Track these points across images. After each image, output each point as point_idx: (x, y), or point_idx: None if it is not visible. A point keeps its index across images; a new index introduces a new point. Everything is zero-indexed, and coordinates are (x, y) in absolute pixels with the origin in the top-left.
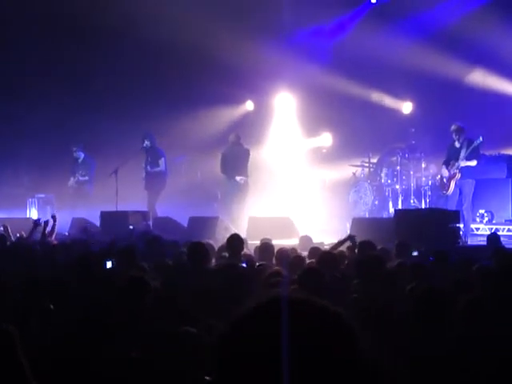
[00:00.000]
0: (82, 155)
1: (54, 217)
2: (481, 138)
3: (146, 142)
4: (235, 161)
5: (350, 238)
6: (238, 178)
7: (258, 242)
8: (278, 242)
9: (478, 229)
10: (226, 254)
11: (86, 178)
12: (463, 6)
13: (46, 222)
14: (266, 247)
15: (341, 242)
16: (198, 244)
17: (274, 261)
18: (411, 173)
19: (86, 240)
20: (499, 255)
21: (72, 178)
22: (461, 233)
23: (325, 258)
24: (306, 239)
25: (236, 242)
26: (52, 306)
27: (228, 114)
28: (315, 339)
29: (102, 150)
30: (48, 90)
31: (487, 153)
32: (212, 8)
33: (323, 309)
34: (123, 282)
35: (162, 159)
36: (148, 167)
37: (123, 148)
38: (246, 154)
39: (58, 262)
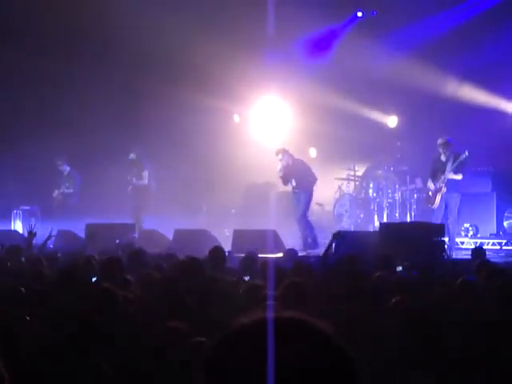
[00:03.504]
0: (67, 168)
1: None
2: (467, 153)
3: (132, 155)
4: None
5: (335, 235)
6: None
7: (243, 255)
8: (263, 255)
9: (462, 242)
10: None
11: (71, 190)
12: (449, 21)
13: (31, 234)
14: (250, 260)
15: (329, 245)
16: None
17: (258, 274)
18: (396, 186)
19: (73, 253)
20: (484, 269)
21: (57, 190)
22: (446, 246)
23: (299, 268)
24: (290, 252)
25: (218, 254)
26: (30, 318)
27: (214, 127)
28: (304, 362)
29: (87, 161)
30: (32, 99)
31: (472, 167)
32: (198, 21)
33: (314, 330)
34: (94, 294)
35: (146, 172)
36: (133, 180)
37: (109, 159)
38: (301, 166)
39: (44, 274)
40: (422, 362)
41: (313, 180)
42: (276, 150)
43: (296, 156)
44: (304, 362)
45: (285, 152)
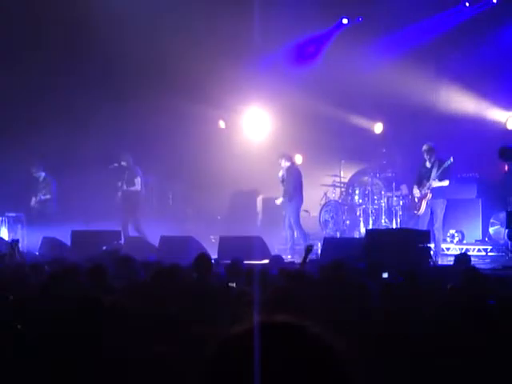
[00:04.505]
0: (42, 174)
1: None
2: (451, 159)
3: (123, 162)
4: (286, 182)
5: (309, 248)
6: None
7: (229, 262)
8: (249, 262)
9: (448, 249)
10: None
11: (48, 196)
12: (435, 28)
13: (17, 242)
14: (235, 266)
15: (305, 258)
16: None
17: (243, 280)
18: (382, 193)
19: (59, 259)
20: (469, 275)
21: (34, 198)
22: (432, 253)
23: (285, 274)
24: (276, 259)
25: (203, 261)
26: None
27: (200, 133)
28: (295, 365)
29: (73, 167)
30: (19, 105)
31: (458, 173)
32: (184, 26)
33: (304, 332)
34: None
35: (138, 178)
36: (124, 186)
37: (97, 165)
38: (294, 175)
39: (29, 282)
40: (412, 368)
41: (301, 193)
42: (278, 153)
43: (296, 165)
44: (296, 365)
45: (283, 156)
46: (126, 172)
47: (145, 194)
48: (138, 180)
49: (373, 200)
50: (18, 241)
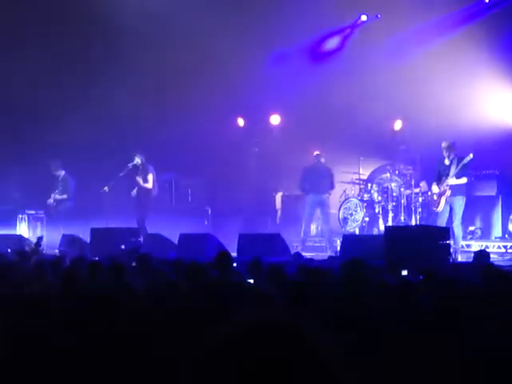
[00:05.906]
0: (61, 173)
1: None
2: (471, 155)
3: (137, 159)
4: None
5: None
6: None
7: (248, 259)
8: (269, 259)
9: (468, 245)
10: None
11: (64, 196)
12: (453, 24)
13: (40, 239)
14: (255, 264)
15: None
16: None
17: (264, 278)
18: (401, 189)
19: (76, 257)
20: (487, 273)
21: (52, 196)
22: (451, 250)
23: (304, 271)
24: (296, 256)
25: (224, 258)
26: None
27: (219, 130)
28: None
29: (89, 164)
30: (34, 103)
31: (477, 170)
32: (201, 23)
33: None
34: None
35: (151, 175)
36: (140, 183)
37: (113, 162)
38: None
39: (46, 278)
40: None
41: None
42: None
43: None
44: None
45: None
46: (140, 169)
47: (156, 190)
48: (150, 177)
49: (392, 197)
50: (42, 238)
